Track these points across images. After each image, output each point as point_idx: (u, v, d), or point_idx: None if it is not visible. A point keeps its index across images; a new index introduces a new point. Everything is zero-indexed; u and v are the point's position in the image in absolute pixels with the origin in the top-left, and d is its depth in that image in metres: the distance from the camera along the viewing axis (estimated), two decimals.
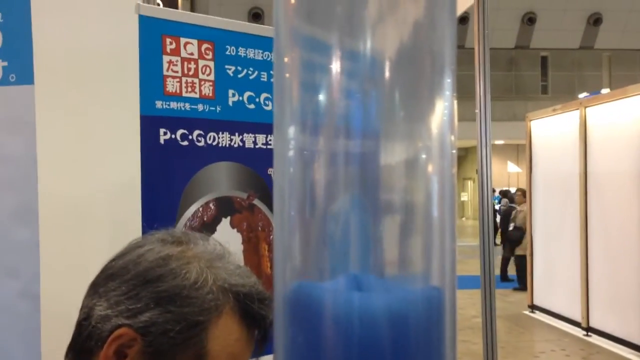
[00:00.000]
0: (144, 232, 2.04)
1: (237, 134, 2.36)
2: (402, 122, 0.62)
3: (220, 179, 2.33)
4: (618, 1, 23.74)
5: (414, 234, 0.63)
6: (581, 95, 13.02)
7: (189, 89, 2.24)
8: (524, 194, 11.85)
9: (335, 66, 0.60)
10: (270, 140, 2.44)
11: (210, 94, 2.30)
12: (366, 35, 0.61)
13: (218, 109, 2.32)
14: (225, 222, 2.34)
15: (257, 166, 2.41)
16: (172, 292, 0.83)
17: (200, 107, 2.27)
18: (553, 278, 8.84)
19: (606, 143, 7.56)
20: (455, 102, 0.63)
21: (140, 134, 2.14)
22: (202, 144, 2.27)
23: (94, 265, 0.94)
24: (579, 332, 7.97)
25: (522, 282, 10.94)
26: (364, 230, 0.62)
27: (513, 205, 12.97)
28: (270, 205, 2.43)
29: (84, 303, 0.88)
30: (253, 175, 2.40)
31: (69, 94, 2.51)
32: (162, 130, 2.18)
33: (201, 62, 2.27)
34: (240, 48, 2.37)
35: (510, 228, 11.91)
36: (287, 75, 0.65)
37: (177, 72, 2.21)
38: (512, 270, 11.57)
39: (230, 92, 2.35)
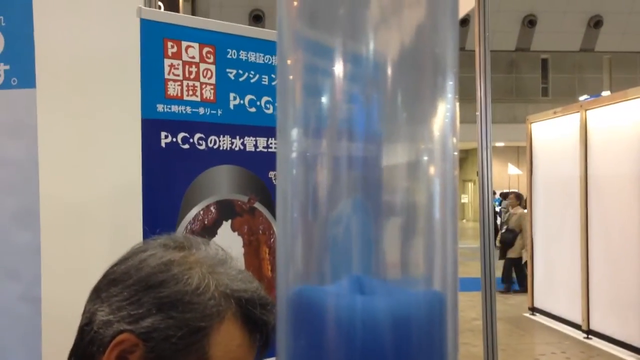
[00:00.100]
0: (144, 235, 2.04)
1: (238, 137, 2.36)
2: (405, 125, 0.63)
3: (221, 182, 2.33)
4: (618, 3, 23.75)
5: (417, 236, 0.63)
6: (582, 98, 13.03)
7: (190, 93, 2.24)
8: (517, 197, 11.88)
9: (338, 68, 0.60)
10: (271, 143, 2.44)
11: (212, 98, 2.30)
12: (369, 38, 0.61)
13: (219, 112, 2.32)
14: (226, 225, 2.34)
15: (258, 169, 2.41)
16: (174, 298, 0.83)
17: (201, 110, 2.27)
18: (553, 280, 8.84)
19: (607, 146, 7.56)
20: (458, 104, 0.64)
21: (142, 137, 2.14)
22: (203, 147, 2.27)
23: (95, 268, 0.95)
24: (579, 335, 7.96)
25: (507, 283, 11.13)
26: (367, 233, 0.62)
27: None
28: (271, 209, 2.43)
29: (86, 308, 0.88)
30: (254, 179, 2.40)
31: (70, 98, 2.51)
32: (163, 134, 2.18)
33: (202, 66, 2.28)
34: (241, 51, 2.37)
35: (503, 230, 11.91)
36: (291, 77, 0.65)
37: (178, 75, 2.22)
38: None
39: (232, 95, 2.35)
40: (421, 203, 0.63)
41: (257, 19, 23.03)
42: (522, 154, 20.24)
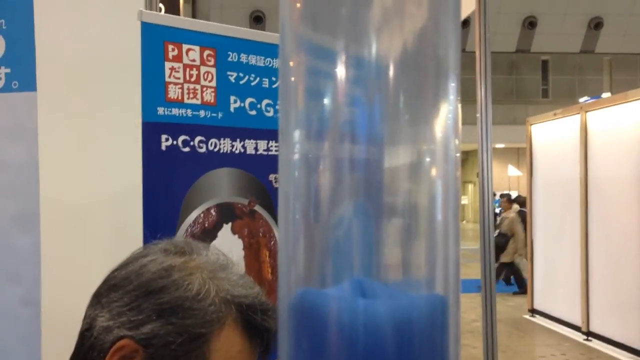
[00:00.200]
0: (145, 238, 2.04)
1: (238, 140, 2.36)
2: (407, 126, 0.63)
3: (222, 185, 2.33)
4: (619, 5, 23.76)
5: (419, 239, 0.63)
6: (582, 100, 13.03)
7: (191, 96, 2.24)
8: (509, 200, 11.91)
9: (341, 70, 0.60)
10: (271, 146, 2.44)
11: (212, 101, 2.30)
12: (371, 40, 0.61)
13: (220, 115, 2.32)
14: (226, 228, 2.34)
15: (258, 172, 2.41)
16: (174, 304, 0.82)
17: (201, 113, 2.27)
18: (553, 282, 8.84)
19: (607, 148, 7.56)
20: (460, 106, 0.64)
21: (142, 140, 2.14)
22: (203, 150, 2.27)
23: (95, 272, 0.94)
24: (579, 337, 7.96)
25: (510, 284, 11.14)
26: (369, 235, 0.62)
27: (523, 209, 12.99)
28: (271, 211, 2.43)
29: (87, 313, 0.87)
30: (254, 182, 2.40)
31: (71, 101, 2.52)
32: (163, 137, 2.18)
33: (203, 69, 2.28)
34: (242, 54, 2.37)
35: (495, 234, 11.90)
36: (293, 79, 0.65)
37: (179, 78, 2.22)
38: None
39: (232, 98, 2.35)
40: (424, 205, 0.63)
41: (257, 20, 23.04)
42: (522, 155, 20.23)
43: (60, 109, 2.46)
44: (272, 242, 2.44)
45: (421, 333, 0.61)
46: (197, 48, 2.26)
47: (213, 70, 2.30)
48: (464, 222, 30.78)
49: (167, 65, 2.19)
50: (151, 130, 2.16)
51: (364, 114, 0.62)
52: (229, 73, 2.34)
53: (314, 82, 0.64)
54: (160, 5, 3.67)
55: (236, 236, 2.36)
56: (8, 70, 2.09)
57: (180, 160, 2.22)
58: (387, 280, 0.64)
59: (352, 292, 0.61)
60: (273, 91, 2.43)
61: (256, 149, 2.41)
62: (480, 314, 3.34)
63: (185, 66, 2.23)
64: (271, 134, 2.43)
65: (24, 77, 2.09)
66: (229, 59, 2.35)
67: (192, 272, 0.86)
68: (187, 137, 2.23)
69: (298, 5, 0.64)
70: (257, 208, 2.41)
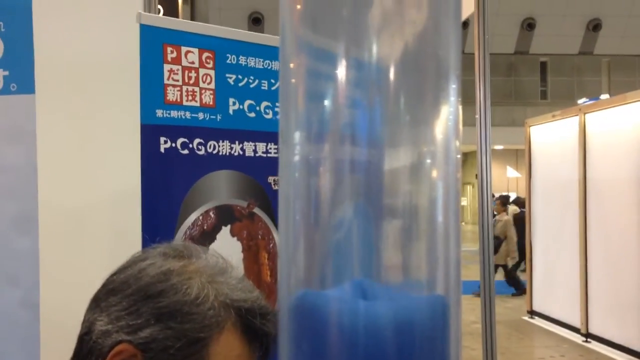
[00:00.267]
0: (144, 240, 2.04)
1: (237, 142, 2.36)
2: (408, 128, 0.63)
3: (221, 187, 2.33)
4: (617, 7, 23.77)
5: (420, 240, 0.63)
6: (580, 101, 13.03)
7: (190, 98, 2.24)
8: (503, 203, 11.88)
9: (341, 72, 0.60)
10: (270, 148, 2.44)
11: (211, 103, 2.30)
12: (372, 42, 0.61)
13: (218, 117, 2.32)
14: (225, 231, 2.34)
15: (257, 174, 2.41)
16: (173, 308, 0.82)
17: (200, 115, 2.27)
18: (552, 284, 8.83)
19: (605, 149, 7.56)
20: (460, 107, 0.63)
21: (141, 142, 2.14)
22: (202, 152, 2.27)
23: (94, 274, 0.94)
24: (578, 338, 7.95)
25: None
26: (370, 237, 0.62)
27: (523, 210, 12.98)
28: (270, 214, 2.43)
29: (86, 317, 0.87)
30: (253, 184, 2.40)
31: (69, 103, 2.51)
32: (162, 139, 2.18)
33: (202, 71, 2.28)
34: (241, 57, 2.37)
35: None
36: (293, 81, 0.65)
37: (177, 80, 2.21)
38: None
39: (231, 100, 2.35)
40: (424, 207, 0.63)
41: (256, 21, 23.03)
42: (521, 157, 20.23)
43: (58, 111, 2.45)
44: (271, 245, 2.44)
45: (422, 335, 0.61)
46: (195, 50, 2.26)
47: (212, 72, 2.30)
48: (463, 223, 30.78)
49: (166, 67, 2.19)
50: (150, 132, 2.16)
51: (364, 115, 0.61)
52: (227, 75, 2.34)
53: (314, 84, 0.64)
54: (159, 7, 3.66)
55: (235, 238, 2.36)
56: (6, 73, 2.09)
57: (179, 162, 2.21)
58: (387, 282, 0.64)
59: (353, 294, 0.61)
60: (272, 93, 2.43)
61: (255, 151, 2.40)
62: (479, 315, 3.33)
63: (184, 68, 2.23)
64: (270, 136, 2.43)
65: (22, 80, 2.09)
66: (228, 61, 2.35)
67: (191, 276, 0.85)
68: (185, 140, 2.23)
69: (298, 6, 0.64)
70: (256, 210, 2.41)
